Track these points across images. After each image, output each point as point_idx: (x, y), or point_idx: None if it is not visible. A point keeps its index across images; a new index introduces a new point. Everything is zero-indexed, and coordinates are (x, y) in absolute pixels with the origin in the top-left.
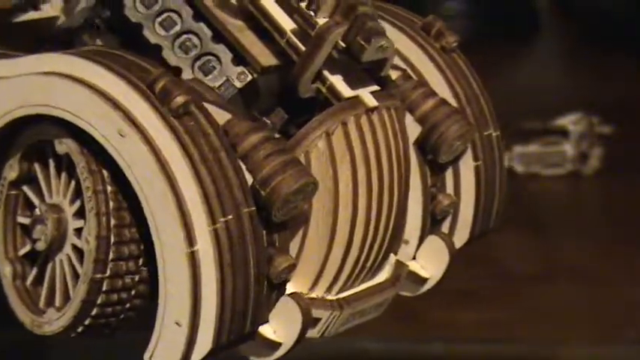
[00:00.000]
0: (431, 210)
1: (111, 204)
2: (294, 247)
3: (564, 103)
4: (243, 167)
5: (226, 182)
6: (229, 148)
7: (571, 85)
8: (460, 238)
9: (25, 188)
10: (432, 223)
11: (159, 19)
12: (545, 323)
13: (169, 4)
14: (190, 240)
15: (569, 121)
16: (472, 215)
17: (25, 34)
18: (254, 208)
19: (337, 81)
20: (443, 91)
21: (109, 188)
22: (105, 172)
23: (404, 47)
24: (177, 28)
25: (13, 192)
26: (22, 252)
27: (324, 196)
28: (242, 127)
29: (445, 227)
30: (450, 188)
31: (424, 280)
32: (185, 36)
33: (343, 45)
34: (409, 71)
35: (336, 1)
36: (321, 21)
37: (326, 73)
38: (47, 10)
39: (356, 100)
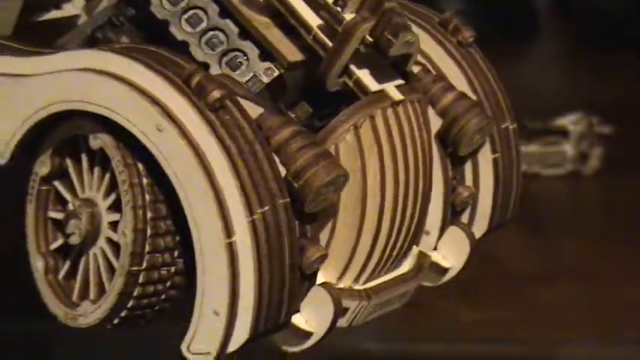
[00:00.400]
0: (451, 201)
1: (147, 197)
2: (323, 237)
3: (564, 103)
4: (277, 160)
5: (262, 174)
6: (263, 141)
7: (571, 85)
8: (479, 229)
9: (57, 183)
10: (452, 214)
11: (185, 16)
12: (545, 323)
13: (196, 1)
14: (228, 231)
15: (569, 121)
16: (491, 206)
17: (49, 33)
18: (289, 200)
19: (364, 75)
20: (461, 85)
21: (144, 181)
22: (140, 166)
23: (423, 42)
24: (204, 24)
25: (45, 187)
26: (54, 246)
27: (353, 187)
28: (274, 121)
29: (464, 218)
30: (469, 180)
31: (445, 270)
32: (212, 32)
33: (370, 40)
34: (428, 66)
35: None
36: (348, 17)
37: (353, 67)
38: (69, 9)
39: (382, 94)
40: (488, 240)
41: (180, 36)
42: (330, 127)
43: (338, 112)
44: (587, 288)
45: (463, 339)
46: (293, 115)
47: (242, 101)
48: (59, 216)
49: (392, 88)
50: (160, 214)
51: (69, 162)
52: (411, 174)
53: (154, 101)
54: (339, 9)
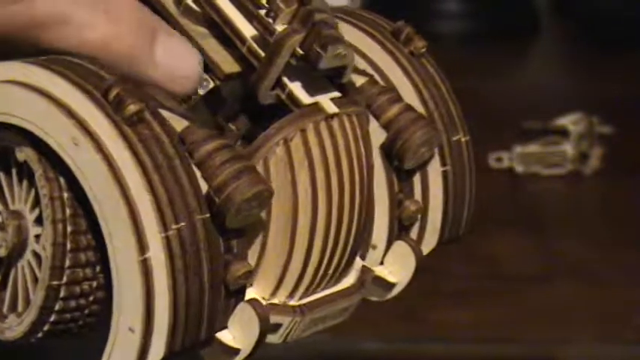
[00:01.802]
0: (398, 216)
1: (67, 211)
2: (253, 253)
3: (564, 103)
4: (199, 175)
5: (180, 190)
6: (184, 155)
7: (571, 85)
8: (428, 244)
9: None
10: (399, 229)
11: None
12: (545, 323)
13: None
14: (142, 247)
15: (569, 121)
16: (440, 221)
17: None
18: (208, 215)
19: (296, 88)
20: (411, 96)
21: (65, 195)
22: (62, 180)
23: (371, 52)
24: None
25: None
26: None
27: (284, 203)
28: (199, 135)
29: (414, 233)
30: (418, 194)
31: (392, 285)
32: None
33: (301, 52)
34: (377, 77)
35: (294, 9)
36: (280, 28)
37: (285, 80)
38: None
39: (315, 107)
40: (489, 240)
41: None
42: (260, 141)
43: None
44: (587, 288)
45: (463, 339)
46: (233, 127)
47: (165, 114)
48: None
49: (326, 101)
50: (80, 229)
51: (0, 174)
52: (346, 188)
53: (71, 114)
54: (270, 20)
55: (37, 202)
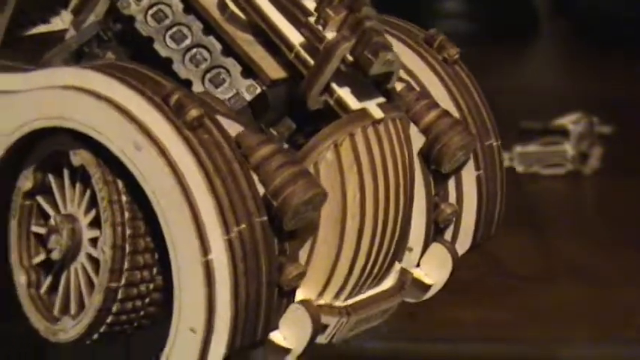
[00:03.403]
0: (434, 218)
1: (126, 214)
2: (303, 254)
3: (564, 103)
4: (255, 178)
5: (239, 193)
6: (242, 159)
7: (571, 85)
8: (462, 246)
9: (39, 198)
10: (435, 231)
11: (169, 33)
12: (545, 323)
13: (180, 18)
14: (205, 249)
15: (569, 121)
16: (474, 223)
17: (37, 47)
18: (266, 218)
19: (345, 94)
20: (445, 102)
21: (123, 198)
22: (120, 183)
23: (407, 59)
24: (188, 41)
25: (28, 202)
26: (36, 260)
27: (333, 206)
28: (254, 139)
29: (448, 235)
30: (452, 197)
31: (428, 287)
32: (195, 49)
33: (351, 59)
34: (413, 83)
35: (343, 16)
36: (329, 35)
37: (334, 85)
38: (57, 24)
39: (363, 112)
40: (489, 240)
41: (164, 52)
42: (311, 146)
43: (320, 130)
44: (587, 288)
45: (463, 339)
46: (275, 133)
47: (221, 119)
48: (42, 230)
49: (373, 106)
50: (138, 232)
51: (51, 177)
52: (392, 191)
53: (133, 119)
54: (320, 27)
55: (91, 206)
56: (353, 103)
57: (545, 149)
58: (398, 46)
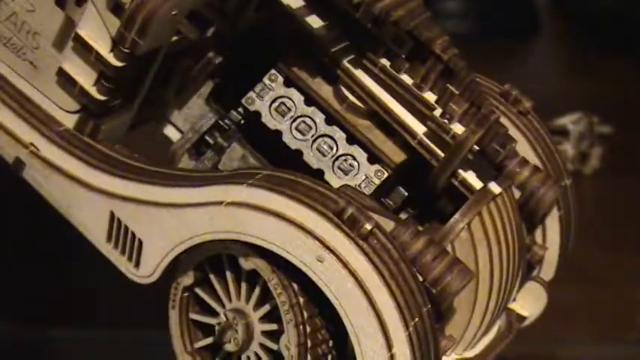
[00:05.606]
0: (528, 260)
1: (305, 314)
2: (443, 322)
3: (564, 103)
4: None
5: (409, 289)
6: (406, 257)
7: (571, 85)
8: (546, 276)
9: (198, 290)
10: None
11: (295, 125)
12: (546, 323)
13: (303, 110)
14: (389, 345)
15: (569, 121)
16: (557, 256)
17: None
18: (430, 306)
19: (469, 176)
20: (526, 151)
21: (300, 300)
22: (295, 286)
23: None
24: (313, 132)
25: (186, 294)
26: (198, 345)
27: None
28: (406, 234)
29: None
30: (538, 236)
31: (524, 318)
32: (320, 139)
33: (477, 149)
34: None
35: (465, 109)
36: (455, 127)
37: (460, 170)
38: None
39: (485, 190)
40: None
41: (293, 145)
42: (449, 228)
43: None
44: (587, 288)
45: None
46: (391, 202)
47: (376, 217)
48: (201, 318)
49: (492, 184)
50: (316, 327)
51: (212, 276)
52: (512, 254)
53: (311, 235)
54: (446, 121)
55: (262, 302)
56: (477, 183)
57: None
58: None
